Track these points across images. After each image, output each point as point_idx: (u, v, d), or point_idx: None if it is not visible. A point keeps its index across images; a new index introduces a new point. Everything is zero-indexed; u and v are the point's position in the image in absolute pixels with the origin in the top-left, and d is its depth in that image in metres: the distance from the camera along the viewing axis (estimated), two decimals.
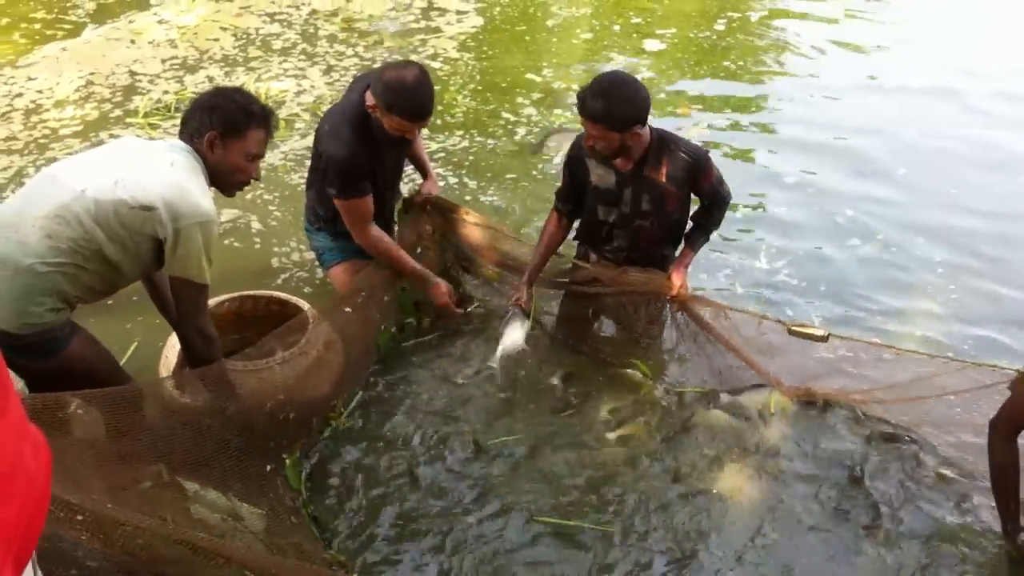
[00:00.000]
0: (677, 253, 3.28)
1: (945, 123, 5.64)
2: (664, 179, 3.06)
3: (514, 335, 3.31)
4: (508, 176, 4.85)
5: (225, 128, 2.52)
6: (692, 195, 3.17)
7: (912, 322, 3.83)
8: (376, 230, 3.24)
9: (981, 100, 5.94)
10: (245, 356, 2.84)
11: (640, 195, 3.10)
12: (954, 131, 5.51)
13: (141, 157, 2.48)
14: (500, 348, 3.30)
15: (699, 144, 3.19)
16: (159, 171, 2.42)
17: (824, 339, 2.99)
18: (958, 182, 4.95)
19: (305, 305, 3.20)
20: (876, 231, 4.49)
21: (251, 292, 3.36)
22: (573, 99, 5.58)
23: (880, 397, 3.15)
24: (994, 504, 2.72)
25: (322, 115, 3.38)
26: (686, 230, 3.26)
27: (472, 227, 3.60)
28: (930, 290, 4.07)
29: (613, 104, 2.85)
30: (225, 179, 2.61)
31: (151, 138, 4.99)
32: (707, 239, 3.29)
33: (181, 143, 2.55)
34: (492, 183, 4.77)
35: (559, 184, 3.39)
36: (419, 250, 3.53)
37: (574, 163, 3.21)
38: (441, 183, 4.17)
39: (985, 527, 2.76)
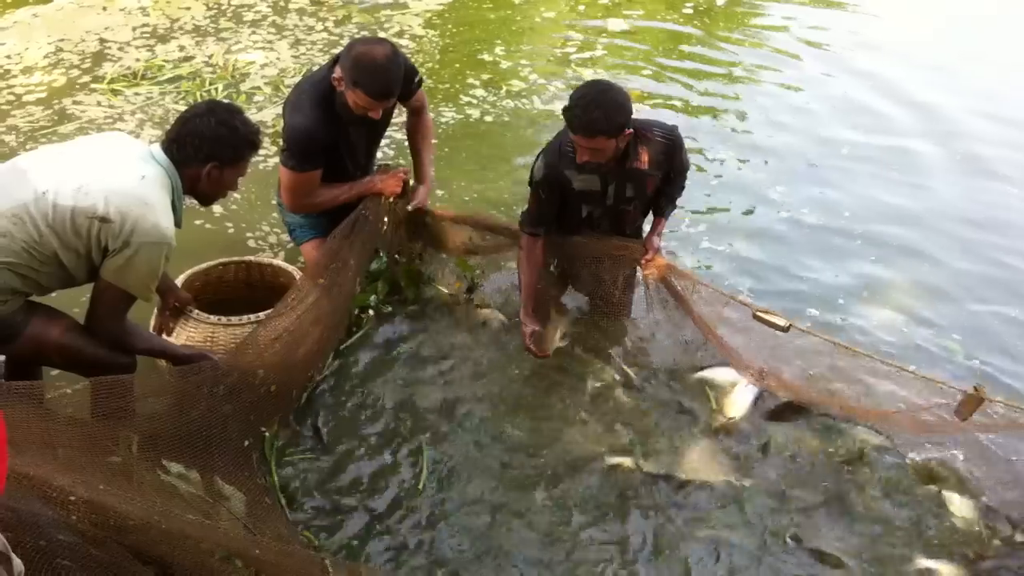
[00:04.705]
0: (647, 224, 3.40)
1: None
2: (647, 166, 3.12)
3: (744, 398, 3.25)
4: (459, 156, 4.98)
5: (228, 160, 2.55)
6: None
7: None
8: (315, 196, 3.19)
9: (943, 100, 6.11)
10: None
11: (623, 186, 3.17)
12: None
13: (113, 162, 2.46)
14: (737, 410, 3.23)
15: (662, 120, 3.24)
16: (126, 182, 2.40)
17: (785, 329, 3.02)
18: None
19: (298, 275, 3.31)
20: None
21: (256, 259, 3.49)
22: (518, 78, 5.72)
23: (843, 403, 3.22)
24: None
25: (288, 87, 3.38)
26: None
27: (452, 228, 3.57)
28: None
29: (611, 114, 2.86)
30: (212, 198, 2.68)
31: (112, 105, 5.15)
32: (675, 206, 3.38)
33: (161, 154, 2.52)
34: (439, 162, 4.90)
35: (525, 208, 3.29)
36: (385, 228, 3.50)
37: (553, 182, 3.14)
38: (380, 155, 4.18)
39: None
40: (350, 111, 3.00)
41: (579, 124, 2.88)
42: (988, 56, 6.68)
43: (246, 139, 2.57)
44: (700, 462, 3.03)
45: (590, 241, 3.36)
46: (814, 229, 4.59)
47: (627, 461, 3.02)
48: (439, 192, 4.52)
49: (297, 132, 3.04)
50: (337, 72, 2.97)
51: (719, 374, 3.37)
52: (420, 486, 2.90)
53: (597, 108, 2.84)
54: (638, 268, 3.36)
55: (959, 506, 2.91)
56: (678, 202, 3.43)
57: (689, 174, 3.35)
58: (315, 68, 5.62)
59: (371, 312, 3.56)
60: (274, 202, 4.28)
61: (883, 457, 3.09)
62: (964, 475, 3.02)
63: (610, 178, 3.12)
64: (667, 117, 5.35)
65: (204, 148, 2.51)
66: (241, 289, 3.48)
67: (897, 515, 2.90)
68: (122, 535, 2.01)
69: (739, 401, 3.22)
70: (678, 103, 5.74)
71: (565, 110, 2.91)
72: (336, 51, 5.84)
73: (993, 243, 4.53)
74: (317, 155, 3.09)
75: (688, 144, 3.26)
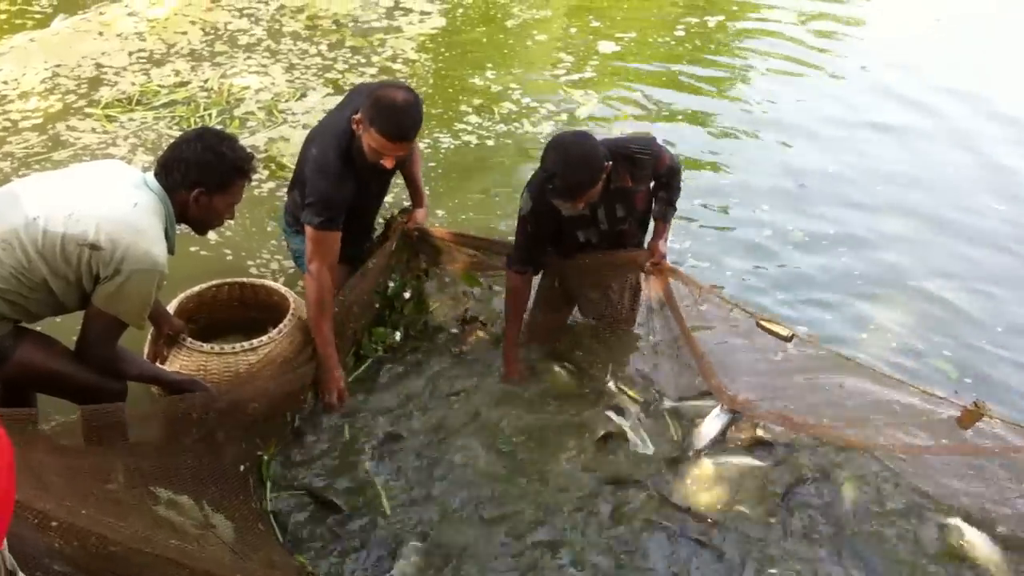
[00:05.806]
0: (649, 230, 3.40)
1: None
2: (631, 183, 3.16)
3: (712, 428, 3.23)
4: (453, 179, 5.02)
5: (215, 186, 2.54)
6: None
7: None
8: (328, 277, 3.10)
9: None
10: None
11: (613, 207, 3.20)
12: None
13: (106, 189, 2.46)
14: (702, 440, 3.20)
15: (634, 133, 3.28)
16: (118, 209, 2.40)
17: (788, 339, 3.02)
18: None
19: (292, 297, 3.34)
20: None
21: (248, 279, 3.52)
22: (510, 101, 5.74)
23: (826, 429, 3.18)
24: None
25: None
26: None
27: (457, 251, 3.63)
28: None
29: (587, 169, 2.90)
30: (205, 225, 2.67)
31: (105, 131, 5.18)
32: (675, 208, 3.38)
33: (154, 182, 2.53)
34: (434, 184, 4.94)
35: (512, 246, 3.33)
36: (392, 273, 3.56)
37: (541, 216, 3.15)
38: None
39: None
40: (365, 158, 2.99)
41: (564, 194, 2.94)
42: (986, 57, 6.81)
43: (233, 165, 2.56)
44: (683, 491, 3.04)
45: (594, 257, 3.37)
46: (803, 247, 4.62)
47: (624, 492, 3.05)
48: (438, 212, 4.57)
49: (322, 191, 3.02)
50: (358, 115, 2.97)
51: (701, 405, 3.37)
52: (408, 515, 2.92)
53: (573, 171, 2.89)
54: (643, 279, 3.38)
55: None
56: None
57: (679, 194, 3.37)
58: (309, 93, 5.75)
59: (382, 343, 3.59)
60: (269, 228, 4.33)
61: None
62: None
63: (598, 202, 3.13)
64: (656, 137, 5.43)
65: (191, 174, 2.51)
66: (236, 309, 3.50)
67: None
68: (113, 564, 2.00)
69: (709, 429, 3.22)
70: (666, 124, 5.76)
71: (547, 185, 2.96)
72: (330, 75, 6.03)
73: (989, 257, 4.60)
74: (340, 213, 3.06)
75: (678, 159, 3.31)
